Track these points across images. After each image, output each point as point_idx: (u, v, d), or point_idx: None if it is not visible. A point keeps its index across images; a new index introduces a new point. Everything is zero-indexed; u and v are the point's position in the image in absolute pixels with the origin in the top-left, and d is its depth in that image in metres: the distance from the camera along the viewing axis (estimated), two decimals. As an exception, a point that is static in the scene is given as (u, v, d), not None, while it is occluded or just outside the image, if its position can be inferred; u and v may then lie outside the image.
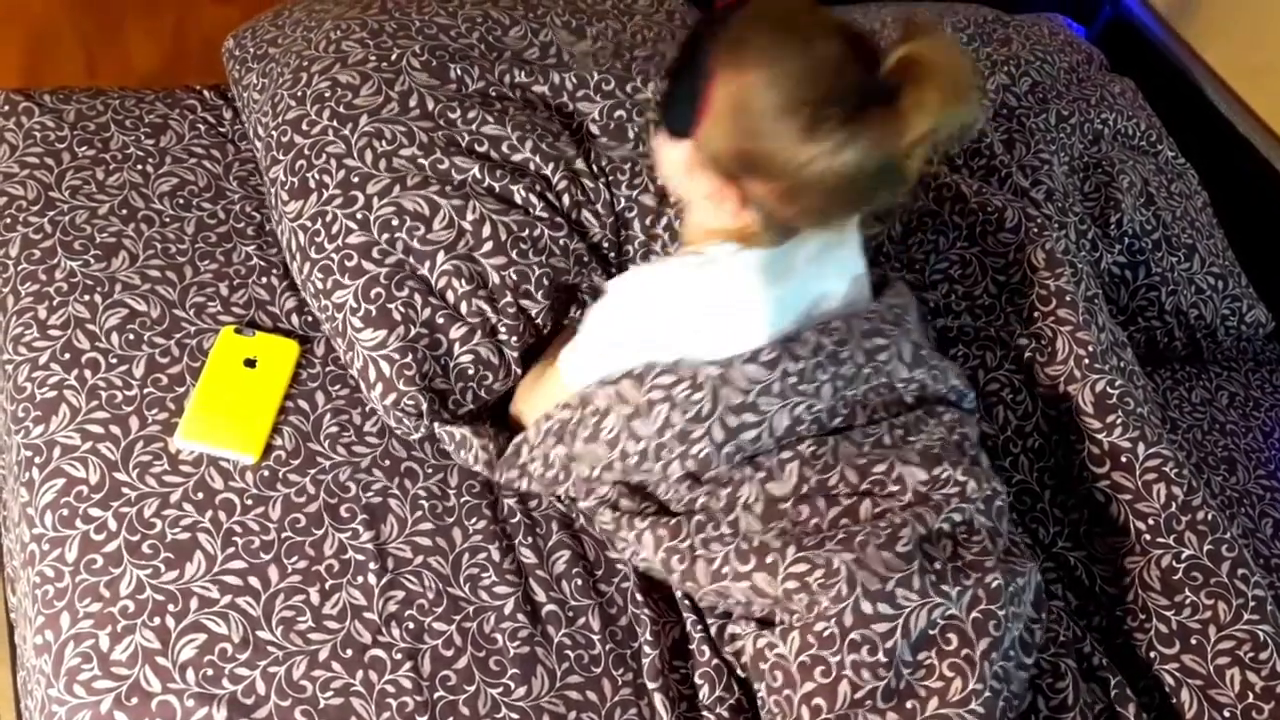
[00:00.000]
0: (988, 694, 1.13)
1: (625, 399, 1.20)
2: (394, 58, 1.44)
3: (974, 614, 1.15)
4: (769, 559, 1.17)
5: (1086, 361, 1.44)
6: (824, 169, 1.05)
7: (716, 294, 1.18)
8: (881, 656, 1.12)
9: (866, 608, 1.13)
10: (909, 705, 1.13)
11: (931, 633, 1.14)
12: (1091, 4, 2.36)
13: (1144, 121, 1.93)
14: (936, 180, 1.60)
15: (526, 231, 1.36)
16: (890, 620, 1.13)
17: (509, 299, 1.32)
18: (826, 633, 1.13)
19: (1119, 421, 1.41)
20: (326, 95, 1.42)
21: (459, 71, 1.45)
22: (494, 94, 1.46)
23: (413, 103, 1.41)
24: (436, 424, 1.30)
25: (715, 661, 1.22)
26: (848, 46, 1.06)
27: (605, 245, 1.44)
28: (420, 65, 1.44)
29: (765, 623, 1.20)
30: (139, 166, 1.51)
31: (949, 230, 1.57)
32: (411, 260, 1.33)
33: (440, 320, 1.31)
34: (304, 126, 1.41)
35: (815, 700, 1.13)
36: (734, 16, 1.07)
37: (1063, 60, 1.99)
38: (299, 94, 1.44)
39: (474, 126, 1.41)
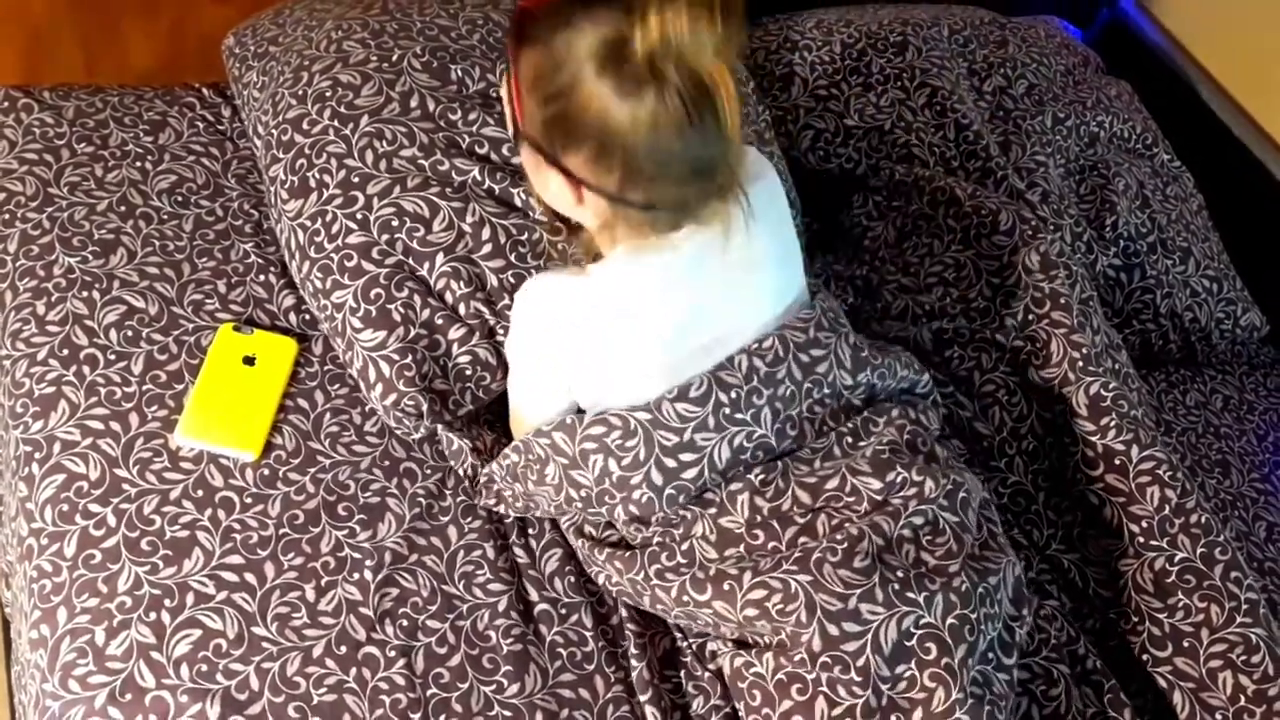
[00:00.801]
0: (971, 701, 1.12)
1: (560, 451, 1.19)
2: (395, 58, 1.45)
3: (949, 620, 1.14)
4: (725, 586, 1.15)
5: (1080, 364, 1.45)
6: (619, 117, 1.02)
7: (603, 305, 1.16)
8: (855, 675, 1.11)
9: (831, 629, 1.11)
10: (893, 718, 1.12)
11: (908, 644, 1.13)
12: (1089, 7, 2.37)
13: (1140, 124, 1.94)
14: (931, 184, 1.61)
15: (525, 235, 1.36)
16: (858, 638, 1.12)
17: (507, 301, 1.33)
18: (798, 657, 1.12)
19: (1113, 424, 1.41)
20: (328, 94, 1.42)
21: (460, 72, 1.46)
22: (495, 95, 1.47)
23: (413, 103, 1.41)
24: (440, 426, 1.31)
25: (707, 674, 1.22)
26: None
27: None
28: (421, 66, 1.45)
29: (740, 642, 1.20)
30: (137, 164, 1.51)
31: (943, 233, 1.58)
32: (411, 261, 1.33)
33: (439, 321, 1.31)
34: (305, 125, 1.41)
35: (794, 718, 1.12)
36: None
37: (1059, 63, 1.99)
38: (300, 93, 1.44)
39: (475, 128, 1.41)
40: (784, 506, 1.19)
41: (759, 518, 1.19)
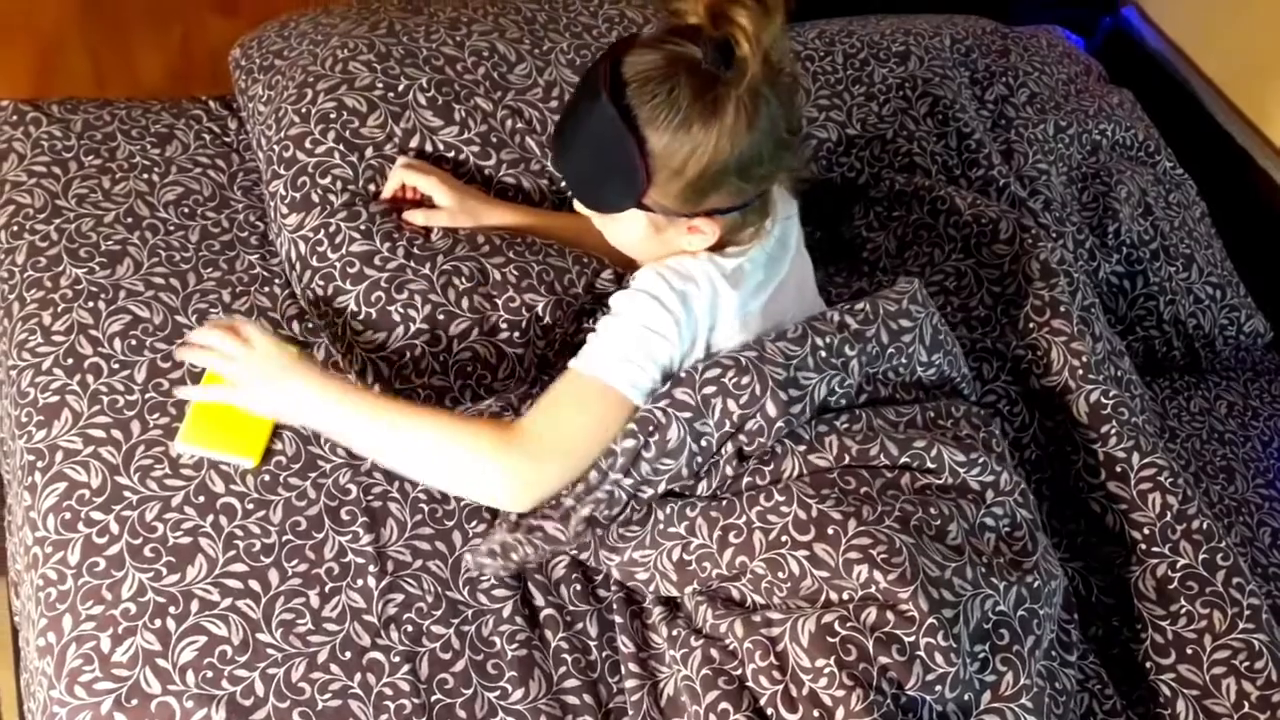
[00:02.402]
0: (1035, 690, 1.16)
1: (683, 404, 1.20)
2: (401, 89, 1.47)
3: (1020, 612, 1.18)
4: (830, 530, 1.17)
5: (1080, 372, 1.45)
6: (748, 140, 1.12)
7: (716, 274, 1.21)
8: (952, 643, 1.13)
9: (933, 593, 1.14)
10: (966, 697, 1.14)
11: (985, 627, 1.16)
12: (1091, 16, 2.38)
13: (1142, 132, 1.95)
14: (931, 193, 1.61)
15: (522, 237, 1.39)
16: (953, 607, 1.14)
17: (510, 294, 1.34)
18: (908, 613, 1.13)
19: (1113, 432, 1.42)
20: (332, 117, 1.45)
21: (463, 113, 1.49)
22: (495, 140, 1.50)
23: (414, 143, 1.46)
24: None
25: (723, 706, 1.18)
26: (679, 51, 1.11)
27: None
28: (426, 102, 1.48)
29: (825, 602, 1.19)
30: (145, 175, 1.53)
31: (944, 243, 1.58)
32: (412, 264, 1.36)
33: (440, 317, 1.33)
34: (307, 144, 1.43)
35: (890, 674, 1.13)
36: (625, 100, 1.11)
37: (1061, 71, 2.00)
38: (303, 110, 1.46)
39: (470, 172, 1.47)
40: (872, 452, 1.23)
41: (848, 458, 1.23)
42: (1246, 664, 1.30)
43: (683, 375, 1.22)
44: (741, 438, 1.22)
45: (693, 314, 1.21)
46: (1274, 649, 1.31)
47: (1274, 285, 1.95)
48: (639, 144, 1.11)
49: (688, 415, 1.20)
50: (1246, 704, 1.29)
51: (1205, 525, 1.37)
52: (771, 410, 1.21)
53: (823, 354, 1.24)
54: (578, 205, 1.24)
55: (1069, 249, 1.69)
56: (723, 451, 1.23)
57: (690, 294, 1.21)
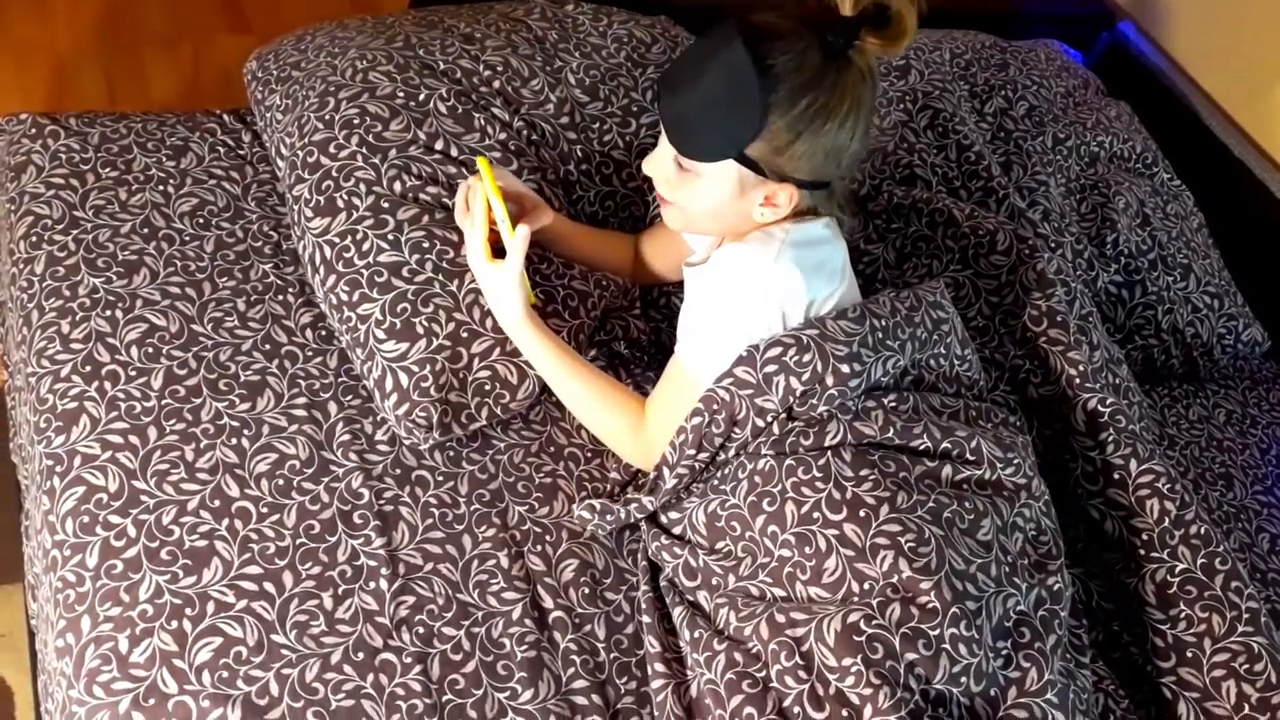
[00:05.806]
0: (1060, 685, 1.19)
1: (744, 382, 1.25)
2: (422, 98, 1.50)
3: (1040, 612, 1.22)
4: (862, 513, 1.20)
5: (1078, 380, 1.47)
6: (852, 118, 1.20)
7: (811, 257, 1.26)
8: (974, 634, 1.15)
9: (957, 584, 1.17)
10: (993, 692, 1.16)
11: (1006, 624, 1.19)
12: (1089, 31, 2.40)
13: (1140, 144, 1.97)
14: (929, 205, 1.64)
15: (549, 259, 1.41)
16: (976, 600, 1.17)
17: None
18: (929, 605, 1.16)
19: (1111, 439, 1.44)
20: (355, 122, 1.47)
21: (482, 121, 1.51)
22: (514, 147, 1.52)
23: (439, 146, 1.48)
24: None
25: (748, 710, 1.20)
26: (811, 23, 1.18)
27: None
28: (447, 110, 1.51)
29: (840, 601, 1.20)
30: (160, 187, 1.55)
31: (942, 254, 1.61)
32: (440, 278, 1.38)
33: (464, 335, 1.35)
34: (331, 149, 1.46)
35: (918, 669, 1.15)
36: (759, 47, 1.15)
37: (1059, 85, 2.03)
38: (326, 118, 1.49)
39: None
40: (915, 430, 1.27)
41: (892, 432, 1.26)
42: (1246, 666, 1.32)
43: (744, 354, 1.26)
44: (795, 405, 1.27)
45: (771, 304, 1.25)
46: (1273, 651, 1.32)
47: (1271, 294, 1.97)
48: (764, 90, 1.14)
49: (749, 393, 1.26)
50: (1246, 706, 1.30)
51: (1203, 530, 1.39)
52: (830, 382, 1.25)
53: (879, 335, 1.28)
54: (654, 166, 1.26)
55: (1067, 259, 1.71)
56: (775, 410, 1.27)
57: (761, 293, 1.25)
